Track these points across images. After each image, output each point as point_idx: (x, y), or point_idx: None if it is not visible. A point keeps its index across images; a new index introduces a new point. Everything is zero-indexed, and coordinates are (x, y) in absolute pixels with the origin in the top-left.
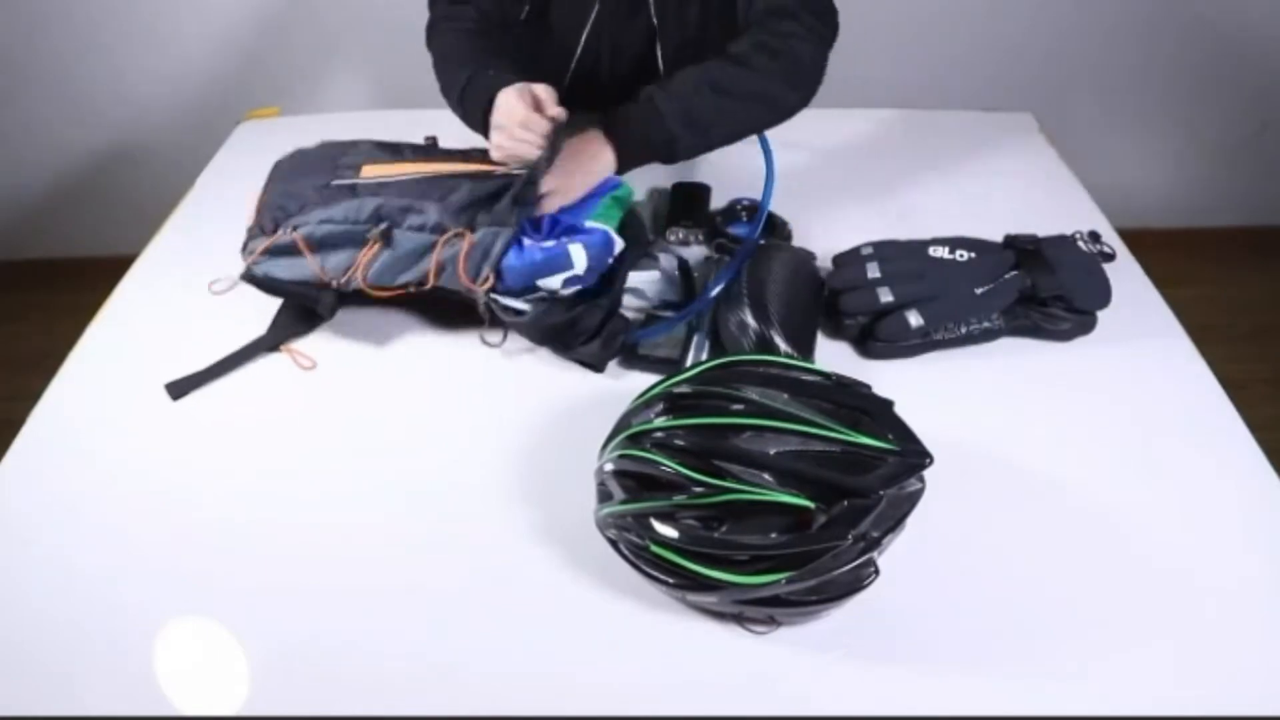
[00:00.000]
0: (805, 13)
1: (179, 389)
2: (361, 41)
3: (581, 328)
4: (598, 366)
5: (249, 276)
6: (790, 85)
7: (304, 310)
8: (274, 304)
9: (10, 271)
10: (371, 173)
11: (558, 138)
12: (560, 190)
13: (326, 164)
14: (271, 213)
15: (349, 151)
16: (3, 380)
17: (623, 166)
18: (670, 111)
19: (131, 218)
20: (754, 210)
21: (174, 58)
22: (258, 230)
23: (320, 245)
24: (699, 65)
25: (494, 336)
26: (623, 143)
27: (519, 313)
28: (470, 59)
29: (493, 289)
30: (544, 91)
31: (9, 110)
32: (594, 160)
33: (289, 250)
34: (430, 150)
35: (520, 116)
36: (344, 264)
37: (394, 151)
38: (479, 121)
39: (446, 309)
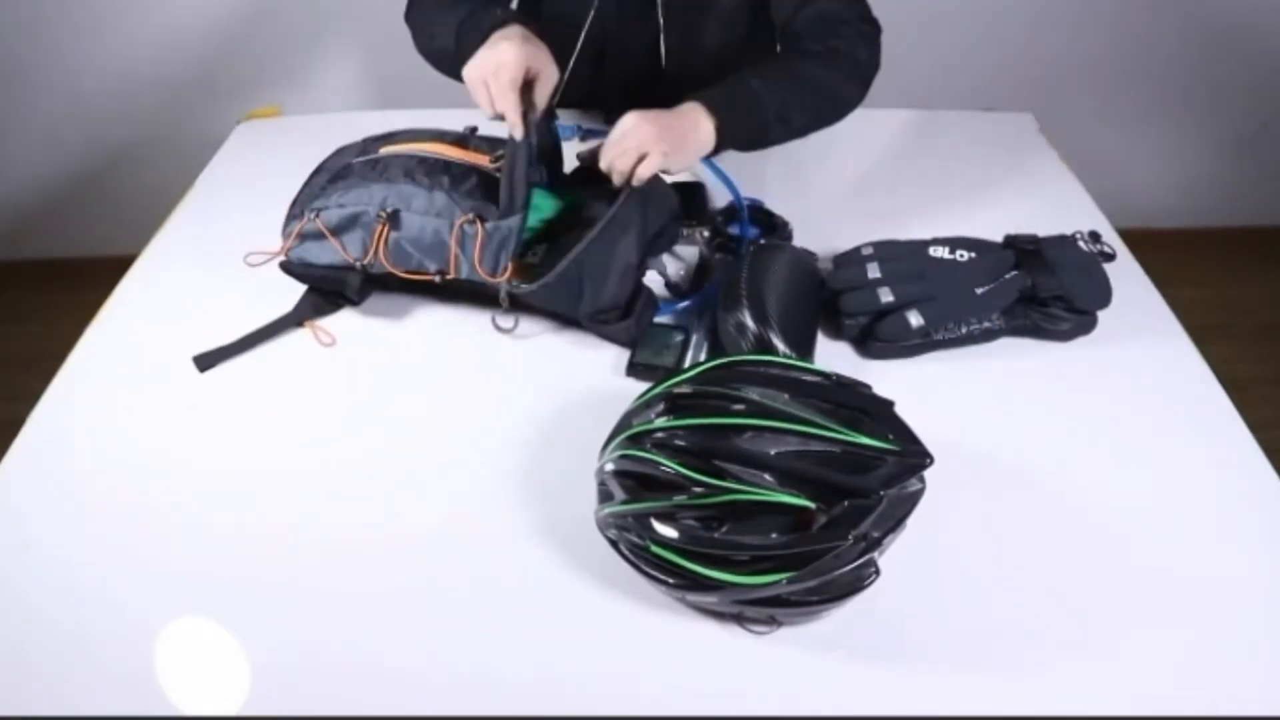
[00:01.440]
0: (857, 20)
1: (207, 361)
2: (361, 41)
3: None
4: (631, 344)
5: (286, 263)
6: (855, 84)
7: (327, 294)
8: (278, 297)
9: (10, 271)
10: (390, 149)
11: (529, 125)
12: (669, 152)
13: (355, 148)
14: (308, 199)
15: (383, 138)
16: (3, 380)
17: (720, 145)
18: (768, 98)
19: (131, 218)
20: (755, 210)
21: (174, 58)
22: (293, 217)
23: (339, 229)
24: (781, 56)
25: (506, 321)
26: (725, 121)
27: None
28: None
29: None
30: (546, 81)
31: (9, 110)
32: (697, 129)
33: (318, 235)
34: (460, 138)
35: (507, 75)
36: (360, 243)
37: (413, 136)
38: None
39: (463, 296)
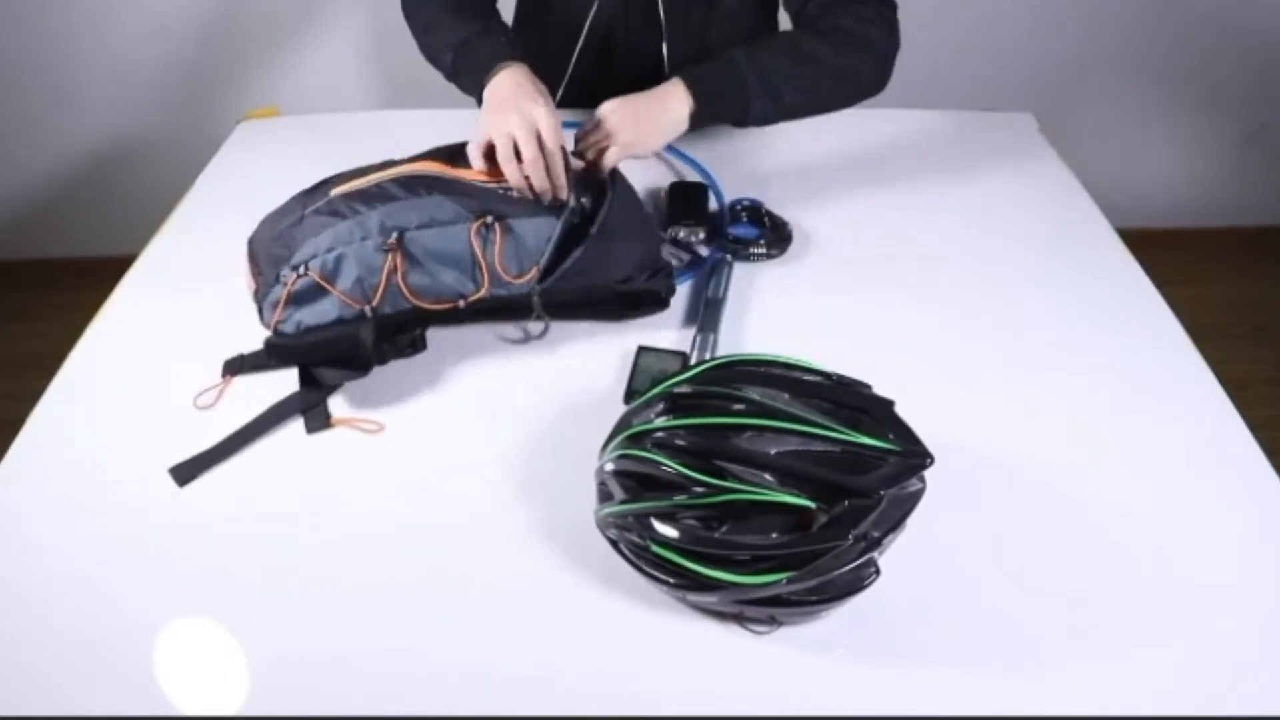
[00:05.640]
0: (871, 0)
1: (184, 474)
2: (361, 41)
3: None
4: (665, 297)
5: (277, 338)
6: (872, 63)
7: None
8: None
9: (10, 271)
10: (342, 190)
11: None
12: (631, 142)
13: (296, 205)
14: (271, 267)
15: (315, 189)
16: (3, 380)
17: (696, 122)
18: (751, 72)
19: (131, 218)
20: (754, 211)
21: (174, 57)
22: (266, 289)
23: (334, 275)
24: (785, 32)
25: (536, 326)
26: (700, 97)
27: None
28: (465, 13)
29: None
30: (550, 128)
31: (8, 110)
32: (667, 111)
33: (313, 292)
34: (394, 161)
35: (551, 136)
36: (356, 277)
37: (359, 173)
38: (475, 91)
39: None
